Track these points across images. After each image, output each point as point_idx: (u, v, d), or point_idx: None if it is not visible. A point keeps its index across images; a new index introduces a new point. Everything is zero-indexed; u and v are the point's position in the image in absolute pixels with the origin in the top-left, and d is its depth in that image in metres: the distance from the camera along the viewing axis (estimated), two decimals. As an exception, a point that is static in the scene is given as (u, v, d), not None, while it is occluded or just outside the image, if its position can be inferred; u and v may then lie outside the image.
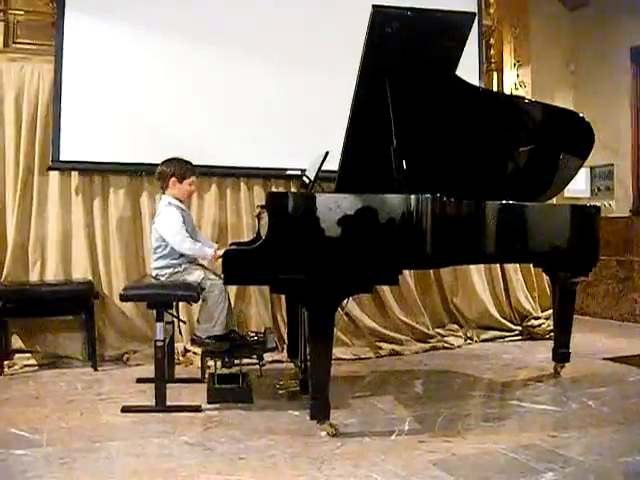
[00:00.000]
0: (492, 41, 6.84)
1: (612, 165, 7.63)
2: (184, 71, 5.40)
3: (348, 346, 5.48)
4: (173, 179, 4.22)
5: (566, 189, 5.15)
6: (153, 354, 3.85)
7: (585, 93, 7.90)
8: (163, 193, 4.33)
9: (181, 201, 4.28)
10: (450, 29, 3.81)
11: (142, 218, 5.38)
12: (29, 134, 5.12)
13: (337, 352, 5.09)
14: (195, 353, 5.01)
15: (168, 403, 3.79)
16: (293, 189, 5.60)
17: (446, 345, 5.77)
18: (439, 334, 5.93)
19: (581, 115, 4.51)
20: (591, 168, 7.77)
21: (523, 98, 5.58)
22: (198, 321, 4.14)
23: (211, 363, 4.17)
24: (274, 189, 5.65)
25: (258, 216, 4.75)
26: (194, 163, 4.36)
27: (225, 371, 4.07)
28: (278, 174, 5.64)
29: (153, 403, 3.78)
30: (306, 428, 3.45)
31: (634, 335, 6.37)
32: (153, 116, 5.32)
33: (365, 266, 3.37)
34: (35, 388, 4.30)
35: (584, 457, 3.04)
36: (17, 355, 4.89)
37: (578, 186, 7.55)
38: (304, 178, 4.38)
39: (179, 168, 4.25)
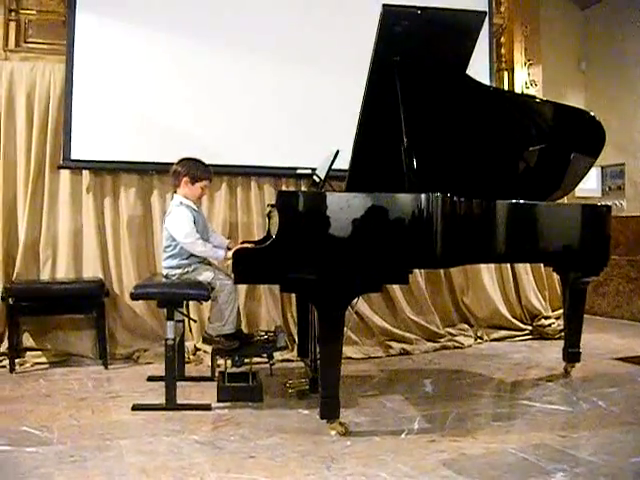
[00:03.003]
0: (503, 40, 6.83)
1: (623, 164, 7.60)
2: (195, 70, 5.41)
3: (358, 345, 5.48)
4: (185, 179, 4.21)
5: (577, 188, 5.13)
6: (163, 352, 3.86)
7: (597, 92, 7.87)
8: (175, 192, 4.33)
9: (193, 201, 4.27)
10: (461, 28, 3.81)
11: (153, 217, 5.39)
12: (40, 133, 5.14)
13: (347, 351, 5.11)
14: (205, 352, 5.02)
15: (178, 401, 3.81)
16: (303, 188, 5.61)
17: (456, 344, 5.76)
18: (449, 333, 5.92)
19: (592, 114, 4.50)
20: (602, 167, 7.74)
21: (534, 97, 5.57)
22: (209, 320, 4.15)
23: (221, 362, 4.19)
24: (284, 188, 5.65)
25: (268, 215, 4.75)
26: (205, 162, 4.35)
27: (235, 370, 4.08)
28: (288, 173, 5.65)
29: (163, 401, 3.79)
30: (316, 427, 3.46)
31: (645, 335, 6.35)
32: (164, 115, 5.33)
33: (375, 265, 3.37)
34: (46, 386, 4.32)
35: (594, 457, 3.03)
36: (28, 353, 4.91)
37: (589, 185, 7.53)
38: (314, 177, 4.38)
39: (194, 169, 4.23)
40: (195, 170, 4.23)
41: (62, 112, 5.16)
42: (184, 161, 4.29)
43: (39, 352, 4.93)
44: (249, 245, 4.04)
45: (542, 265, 6.22)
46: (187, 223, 4.08)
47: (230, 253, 3.78)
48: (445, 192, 3.43)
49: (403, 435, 3.37)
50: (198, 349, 5.15)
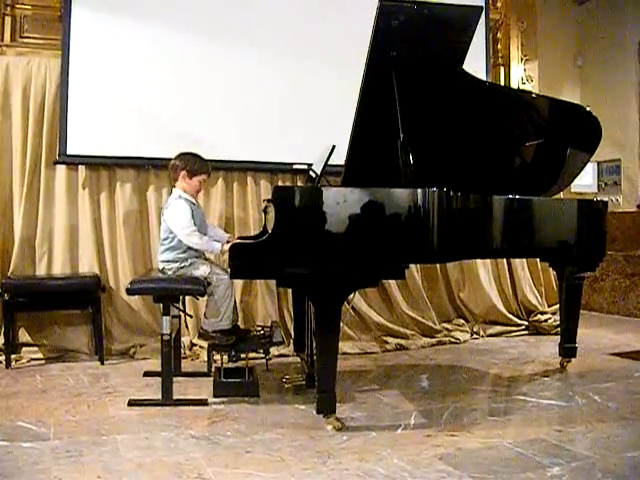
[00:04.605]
0: (499, 35, 6.83)
1: (619, 160, 7.61)
2: (192, 65, 5.39)
3: (354, 340, 5.48)
4: (183, 173, 4.22)
5: (573, 184, 5.15)
6: (160, 348, 3.86)
7: (593, 87, 7.87)
8: (173, 186, 4.33)
9: (191, 194, 4.27)
10: (457, 23, 3.81)
11: (149, 212, 5.38)
12: (36, 128, 5.13)
13: (343, 346, 5.11)
14: (201, 347, 5.02)
15: (174, 397, 3.80)
16: (300, 183, 5.60)
17: (452, 340, 5.77)
18: (445, 329, 5.92)
19: (588, 109, 4.50)
20: (598, 163, 7.76)
21: (530, 92, 5.57)
22: (205, 315, 4.15)
23: (218, 357, 4.18)
24: (281, 183, 5.64)
25: (265, 210, 4.75)
26: (204, 157, 4.35)
27: (231, 365, 4.08)
28: (285, 168, 5.64)
29: (160, 397, 3.79)
30: (312, 422, 3.46)
31: (641, 330, 6.36)
32: (160, 110, 5.32)
33: (372, 260, 3.37)
34: (42, 381, 4.32)
35: (590, 452, 3.04)
36: (24, 349, 4.90)
37: (585, 181, 7.54)
38: (311, 172, 4.38)
39: (192, 163, 4.24)
40: (193, 164, 4.24)
41: (58, 107, 5.14)
42: (182, 155, 4.29)
43: (35, 348, 4.92)
44: (246, 241, 4.04)
45: (538, 260, 6.22)
46: (185, 215, 4.09)
47: (227, 247, 3.79)
48: (442, 187, 3.44)
49: (399, 430, 3.38)
50: (194, 344, 5.15)
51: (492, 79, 6.47)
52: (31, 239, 5.11)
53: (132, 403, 3.79)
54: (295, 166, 5.55)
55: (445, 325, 5.99)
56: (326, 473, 2.80)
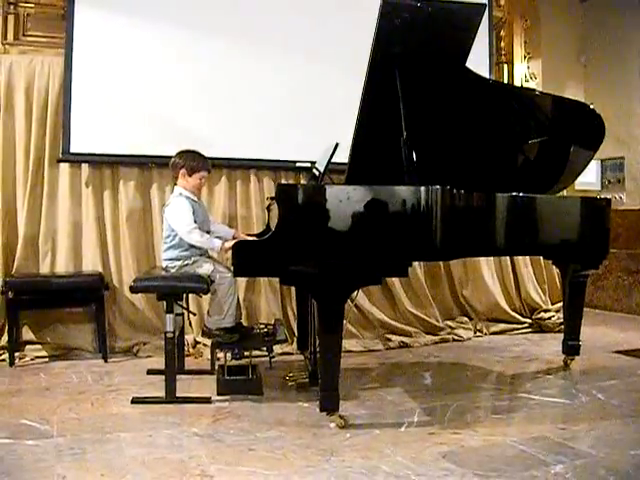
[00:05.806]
0: (502, 33, 6.83)
1: (623, 158, 7.59)
2: (195, 63, 5.39)
3: (357, 338, 5.48)
4: (182, 171, 4.23)
5: (577, 181, 5.13)
6: (163, 346, 3.87)
7: (596, 85, 7.85)
8: (175, 184, 4.34)
9: (192, 192, 4.27)
10: (460, 21, 3.80)
11: (152, 210, 5.38)
12: (39, 126, 5.13)
13: (346, 344, 5.10)
14: (205, 345, 5.02)
15: (178, 395, 3.81)
16: (303, 181, 5.60)
17: (455, 337, 5.77)
18: (448, 326, 5.92)
19: (592, 107, 4.49)
20: (602, 160, 7.74)
21: (533, 90, 5.56)
22: (208, 313, 4.15)
23: (221, 355, 4.19)
24: (284, 181, 5.65)
25: (268, 208, 4.76)
26: (204, 155, 4.36)
27: (235, 363, 4.08)
28: (288, 166, 5.64)
29: (163, 394, 3.79)
30: (315, 420, 3.46)
31: (644, 328, 6.35)
32: (163, 108, 5.32)
33: (375, 258, 3.37)
34: (46, 379, 4.32)
35: (594, 449, 3.04)
36: (28, 347, 4.91)
37: (589, 178, 7.52)
38: (314, 170, 4.37)
39: (191, 161, 4.25)
40: (192, 161, 4.25)
41: (61, 105, 5.14)
42: (182, 153, 4.30)
43: (39, 345, 4.93)
44: (249, 238, 4.05)
45: (542, 258, 6.22)
46: (185, 213, 4.09)
47: (228, 244, 3.80)
48: (445, 185, 3.43)
49: (403, 428, 3.38)
50: (198, 342, 5.16)
51: (495, 77, 6.47)
52: (35, 237, 5.11)
53: (135, 401, 3.79)
54: (298, 164, 5.55)
55: (448, 323, 5.99)
56: (329, 471, 2.80)
